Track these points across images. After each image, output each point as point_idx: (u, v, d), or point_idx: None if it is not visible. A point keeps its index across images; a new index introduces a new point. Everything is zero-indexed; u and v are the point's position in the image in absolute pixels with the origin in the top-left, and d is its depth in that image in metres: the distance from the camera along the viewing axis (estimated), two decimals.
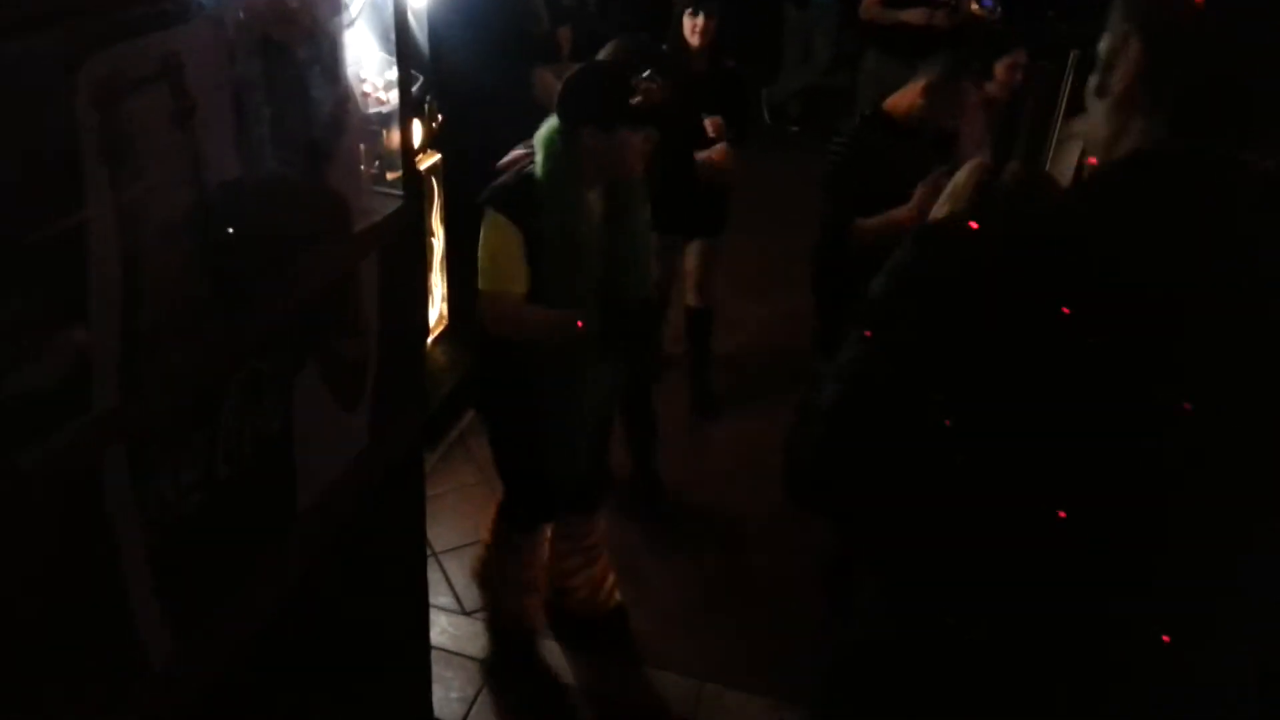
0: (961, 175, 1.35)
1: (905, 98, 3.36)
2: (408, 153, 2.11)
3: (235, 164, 1.60)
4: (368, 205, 2.04)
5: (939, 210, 1.30)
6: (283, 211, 1.76)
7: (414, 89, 3.84)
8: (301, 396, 1.90)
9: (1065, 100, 6.17)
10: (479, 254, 2.52)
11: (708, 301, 4.35)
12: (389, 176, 3.65)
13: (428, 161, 4.06)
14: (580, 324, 2.43)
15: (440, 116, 4.06)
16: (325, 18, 1.75)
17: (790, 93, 7.46)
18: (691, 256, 4.22)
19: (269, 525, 1.90)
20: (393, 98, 3.72)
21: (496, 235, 2.47)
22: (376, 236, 2.02)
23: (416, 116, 3.87)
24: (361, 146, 2.03)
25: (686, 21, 3.89)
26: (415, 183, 2.12)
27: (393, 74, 3.82)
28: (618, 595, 3.31)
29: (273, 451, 1.85)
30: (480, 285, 2.52)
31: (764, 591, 3.49)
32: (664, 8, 4.31)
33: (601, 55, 3.36)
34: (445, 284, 4.43)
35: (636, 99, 2.43)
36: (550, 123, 2.51)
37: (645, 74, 2.58)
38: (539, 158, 2.49)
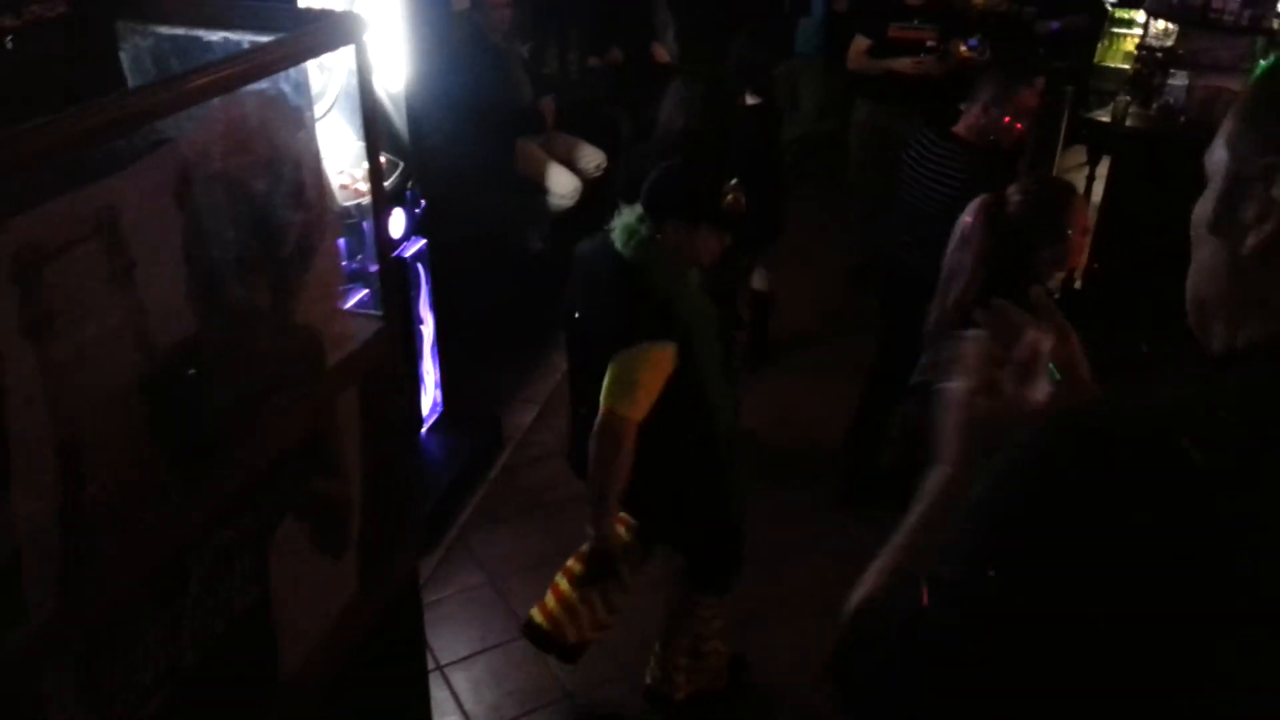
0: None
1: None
2: (386, 273, 1.92)
3: (189, 315, 1.41)
4: (343, 330, 1.85)
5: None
6: (248, 358, 1.57)
7: (395, 176, 3.70)
8: (279, 555, 1.70)
9: (1064, 135, 6.07)
10: (622, 377, 2.40)
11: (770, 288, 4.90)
12: (373, 269, 3.56)
13: (414, 249, 3.89)
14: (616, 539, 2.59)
15: (424, 202, 3.90)
16: (285, 138, 1.58)
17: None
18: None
19: (246, 705, 1.69)
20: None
21: (653, 363, 2.40)
22: (355, 367, 1.83)
23: (399, 204, 3.71)
24: (337, 267, 1.84)
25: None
26: (395, 302, 1.93)
27: None
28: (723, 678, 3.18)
29: (248, 624, 1.64)
30: (617, 407, 2.41)
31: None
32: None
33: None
34: (438, 371, 4.24)
35: (727, 201, 2.47)
36: (632, 225, 2.47)
37: (733, 182, 2.56)
38: (653, 269, 2.44)
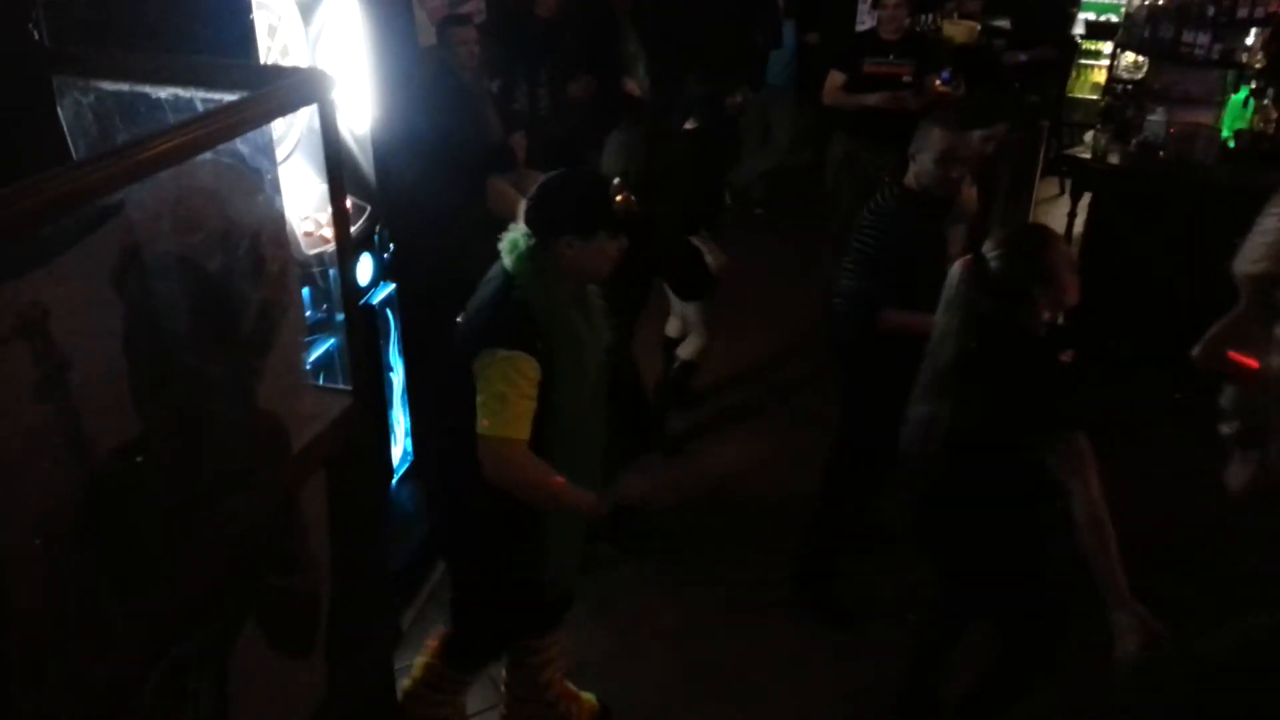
0: None
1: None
2: (356, 343, 1.77)
3: (131, 415, 1.25)
4: (308, 409, 1.69)
5: None
6: (203, 453, 1.41)
7: (362, 220, 3.54)
8: (238, 665, 1.53)
9: (1041, 168, 6.04)
10: (483, 396, 2.21)
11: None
12: (339, 318, 3.39)
13: (383, 294, 3.73)
14: (598, 502, 2.36)
15: (392, 245, 3.74)
16: (243, 207, 1.42)
17: (752, 176, 7.26)
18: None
19: None
20: None
21: (514, 374, 2.21)
22: (322, 448, 1.67)
23: (367, 249, 3.56)
24: (299, 340, 1.68)
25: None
26: (366, 378, 1.78)
27: None
28: (588, 697, 3.07)
29: None
30: (488, 430, 2.21)
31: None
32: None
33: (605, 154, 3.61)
34: (408, 419, 4.07)
35: (617, 203, 2.35)
36: (517, 239, 2.32)
37: (615, 181, 2.45)
38: (524, 280, 2.29)
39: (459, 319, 2.47)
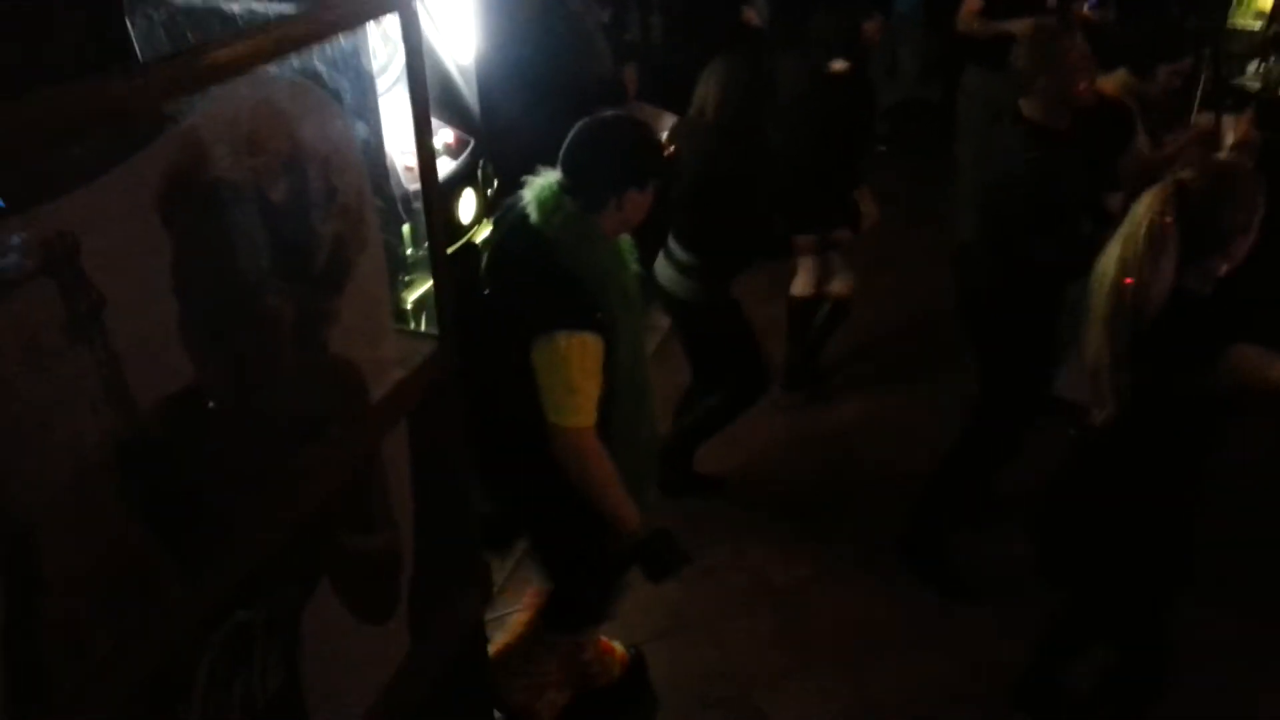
0: None
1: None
2: (442, 285, 1.61)
3: (182, 361, 1.12)
4: (391, 354, 1.55)
5: None
6: (268, 405, 1.28)
7: (465, 154, 3.40)
8: (312, 629, 1.42)
9: (1199, 101, 5.52)
10: (550, 383, 2.05)
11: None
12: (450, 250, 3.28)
13: (485, 232, 3.60)
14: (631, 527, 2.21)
15: (496, 182, 3.60)
16: (311, 133, 1.27)
17: (878, 110, 6.88)
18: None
19: None
20: (440, 168, 3.35)
21: (579, 357, 2.04)
22: (404, 401, 1.54)
23: (470, 185, 3.42)
24: (382, 282, 1.54)
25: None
26: (451, 323, 1.63)
27: (439, 141, 3.44)
28: (619, 647, 2.96)
29: (273, 712, 1.37)
30: (564, 421, 2.06)
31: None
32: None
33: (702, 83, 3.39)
34: None
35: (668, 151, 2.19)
36: (551, 199, 2.12)
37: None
38: (571, 247, 2.10)
39: (486, 289, 2.30)
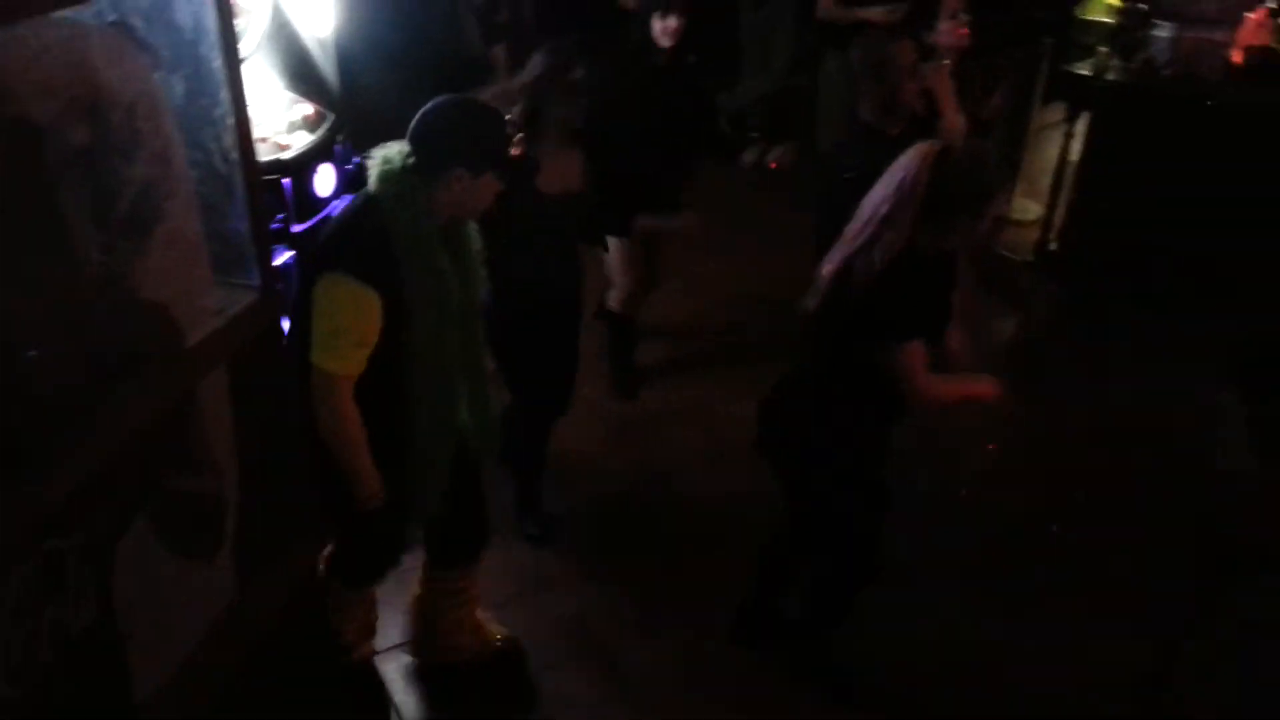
0: None
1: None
2: (260, 235, 1.67)
3: None
4: (208, 304, 1.61)
5: None
6: (77, 342, 1.33)
7: (324, 128, 3.43)
8: (128, 563, 1.47)
9: (1043, 89, 5.83)
10: (319, 324, 2.03)
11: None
12: (295, 229, 3.30)
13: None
14: (379, 498, 2.15)
15: (356, 158, 3.62)
16: (114, 79, 1.32)
17: (749, 99, 7.06)
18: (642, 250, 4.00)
19: None
20: (297, 141, 3.37)
21: (351, 305, 2.02)
22: (221, 346, 1.59)
23: (328, 159, 3.44)
24: (195, 229, 1.59)
25: (656, 24, 3.73)
26: (271, 273, 1.69)
27: (297, 114, 3.46)
28: (498, 632, 2.99)
29: (87, 645, 1.42)
30: (321, 362, 2.03)
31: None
32: (610, 12, 3.98)
33: (526, 72, 3.14)
34: None
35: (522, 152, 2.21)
36: (397, 159, 2.13)
37: (507, 117, 2.32)
38: (390, 206, 2.09)
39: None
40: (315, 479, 2.30)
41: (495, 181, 2.19)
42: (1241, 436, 3.71)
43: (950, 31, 3.49)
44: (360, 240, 2.09)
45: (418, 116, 2.20)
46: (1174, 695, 2.85)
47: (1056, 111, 6.50)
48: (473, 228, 2.33)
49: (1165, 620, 2.96)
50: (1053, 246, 5.03)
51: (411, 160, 2.13)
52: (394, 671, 3.10)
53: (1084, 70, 4.78)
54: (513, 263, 2.77)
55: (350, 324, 2.02)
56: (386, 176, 2.11)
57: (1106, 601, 3.23)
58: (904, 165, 2.21)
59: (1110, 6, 7.04)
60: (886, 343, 2.28)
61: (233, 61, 1.56)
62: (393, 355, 2.09)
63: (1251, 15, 4.81)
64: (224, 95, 1.56)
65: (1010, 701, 2.91)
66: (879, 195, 2.25)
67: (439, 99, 2.25)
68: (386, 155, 2.14)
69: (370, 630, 2.86)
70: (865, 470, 2.57)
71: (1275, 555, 2.77)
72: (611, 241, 4.00)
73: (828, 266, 2.37)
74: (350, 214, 2.18)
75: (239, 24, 2.83)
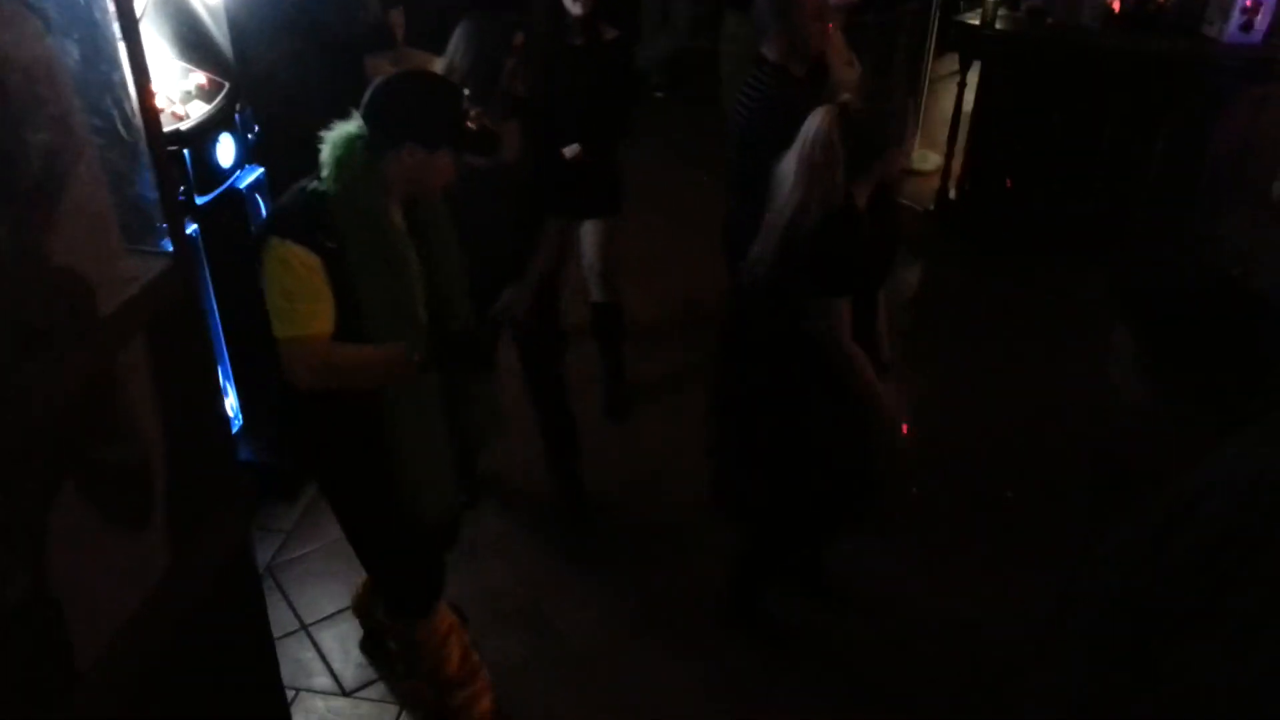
0: None
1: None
2: (169, 201, 1.66)
3: None
4: (122, 273, 1.60)
5: None
6: None
7: (220, 97, 3.35)
8: (60, 535, 1.47)
9: (934, 40, 5.99)
10: (269, 297, 2.05)
11: (612, 296, 3.97)
12: (199, 201, 3.23)
13: (250, 178, 3.56)
14: (407, 357, 2.12)
15: (257, 127, 3.56)
16: (11, 48, 1.30)
17: (653, 60, 7.10)
18: (590, 242, 3.87)
19: (37, 703, 1.47)
20: (193, 111, 3.29)
21: (290, 268, 2.03)
22: (137, 315, 1.58)
23: (227, 129, 3.38)
24: (102, 196, 1.57)
25: None
26: (183, 238, 1.68)
27: (190, 84, 3.38)
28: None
29: (22, 616, 1.42)
30: (278, 332, 2.05)
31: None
32: None
33: (454, 42, 3.06)
34: None
35: (472, 123, 2.14)
36: (348, 130, 2.11)
37: (465, 92, 2.25)
38: (329, 171, 2.08)
39: None
40: (339, 517, 2.41)
41: (450, 157, 2.15)
42: (1133, 370, 3.93)
43: None
44: (296, 207, 2.09)
45: (370, 90, 2.16)
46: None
47: (951, 62, 6.69)
48: (442, 210, 2.31)
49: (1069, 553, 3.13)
50: (952, 195, 5.20)
51: (364, 134, 2.10)
52: (331, 639, 3.13)
53: (973, 20, 4.94)
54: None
55: (294, 286, 2.03)
56: (331, 147, 2.09)
57: (1015, 544, 3.40)
58: (812, 129, 2.29)
59: None
60: (823, 294, 2.34)
61: (130, 24, 1.54)
62: (353, 328, 2.10)
63: None
64: (123, 59, 1.54)
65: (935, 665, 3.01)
66: (794, 162, 2.33)
67: (394, 75, 2.25)
68: (343, 129, 2.12)
69: (478, 677, 2.74)
70: (832, 456, 2.62)
71: (1165, 476, 2.94)
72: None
73: (761, 246, 2.45)
74: (293, 189, 2.16)
75: None
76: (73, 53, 1.54)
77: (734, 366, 2.73)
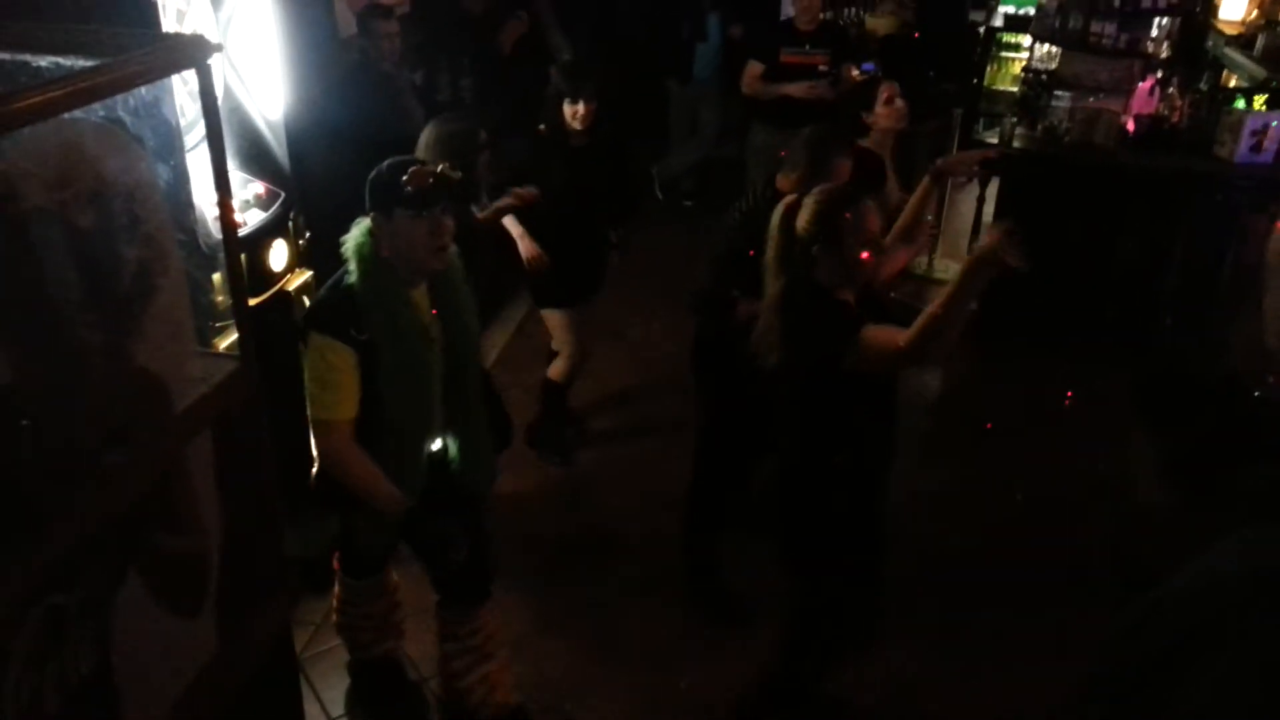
0: None
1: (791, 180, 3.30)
2: (240, 308, 1.81)
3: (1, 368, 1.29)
4: (194, 373, 1.73)
5: None
6: (79, 406, 1.44)
7: (276, 206, 3.55)
8: (122, 619, 1.57)
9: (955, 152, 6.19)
10: (307, 381, 2.34)
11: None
12: (251, 303, 3.39)
13: (299, 280, 3.74)
14: (399, 505, 2.38)
15: (308, 233, 3.75)
16: (113, 169, 1.46)
17: (681, 168, 7.36)
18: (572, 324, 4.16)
19: None
20: (250, 219, 3.49)
21: (325, 360, 2.31)
22: (206, 412, 1.71)
23: (281, 235, 3.57)
24: (184, 304, 1.72)
25: (567, 109, 3.90)
26: (250, 343, 1.82)
27: (249, 193, 3.59)
28: (515, 697, 3.02)
29: (85, 695, 1.50)
30: (316, 414, 2.36)
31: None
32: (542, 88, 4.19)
33: (421, 145, 3.51)
34: None
35: (420, 183, 2.29)
36: (364, 224, 2.38)
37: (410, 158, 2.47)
38: (351, 263, 2.35)
39: None
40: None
41: (416, 220, 2.28)
42: (1151, 470, 3.96)
43: (888, 115, 3.76)
44: (331, 300, 2.38)
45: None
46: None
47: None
48: (457, 273, 2.52)
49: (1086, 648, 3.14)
50: (973, 305, 5.31)
51: (366, 228, 2.38)
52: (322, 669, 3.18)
53: (992, 138, 5.12)
54: None
55: (326, 375, 2.30)
56: (351, 241, 2.37)
57: (1035, 635, 3.42)
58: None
59: (1014, 76, 7.52)
60: (847, 343, 2.45)
61: (218, 153, 1.70)
62: (368, 405, 2.34)
63: (1141, 85, 5.23)
64: (210, 182, 1.70)
65: None
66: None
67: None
68: (356, 226, 2.40)
69: (391, 630, 3.05)
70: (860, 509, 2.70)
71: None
72: (551, 314, 4.16)
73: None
74: (330, 281, 2.43)
75: (191, 111, 2.96)
76: (164, 174, 1.71)
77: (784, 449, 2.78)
